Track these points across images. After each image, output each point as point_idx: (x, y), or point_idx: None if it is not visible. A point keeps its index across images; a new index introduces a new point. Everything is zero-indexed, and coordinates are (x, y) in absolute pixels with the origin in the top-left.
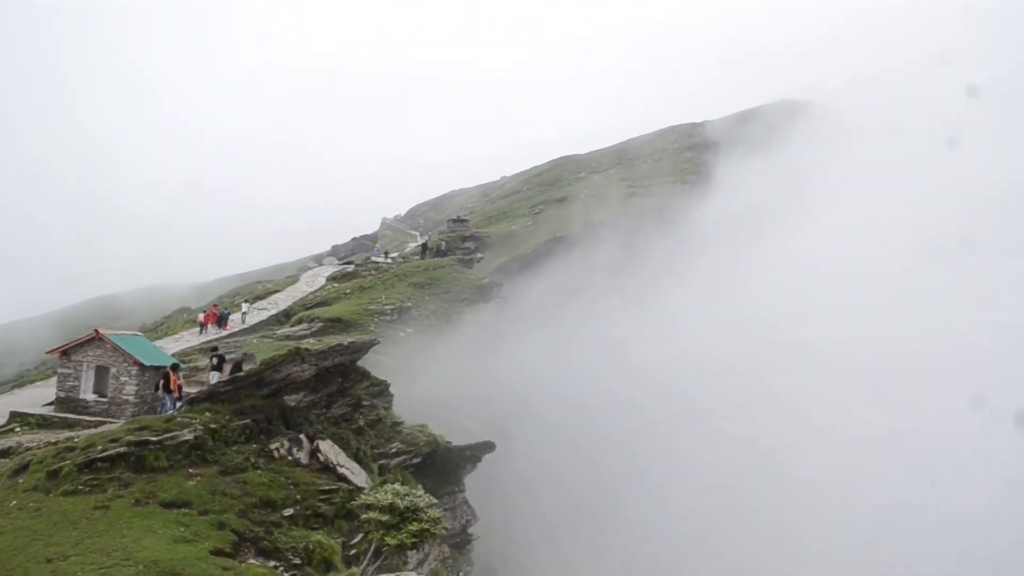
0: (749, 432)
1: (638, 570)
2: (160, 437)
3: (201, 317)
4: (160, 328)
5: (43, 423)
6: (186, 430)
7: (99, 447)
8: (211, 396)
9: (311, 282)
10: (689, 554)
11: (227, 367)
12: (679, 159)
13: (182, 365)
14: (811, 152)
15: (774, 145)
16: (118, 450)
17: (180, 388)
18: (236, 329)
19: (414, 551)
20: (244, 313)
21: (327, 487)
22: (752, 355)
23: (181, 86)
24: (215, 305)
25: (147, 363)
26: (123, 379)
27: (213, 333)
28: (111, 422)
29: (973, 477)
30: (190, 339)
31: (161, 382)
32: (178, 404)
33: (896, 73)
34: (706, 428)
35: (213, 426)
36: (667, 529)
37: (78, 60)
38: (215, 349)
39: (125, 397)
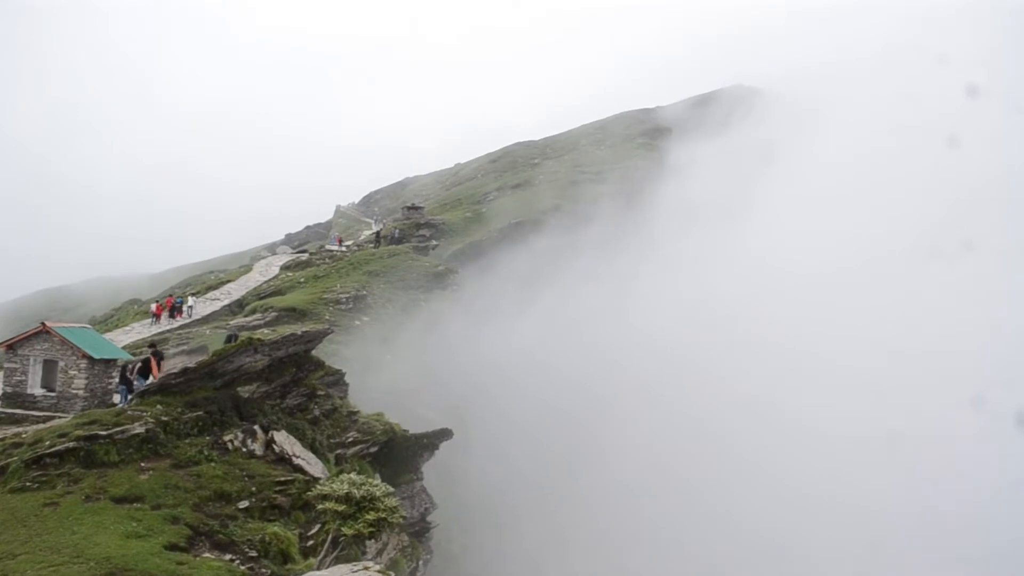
0: (716, 426)
1: (596, 557)
2: (110, 431)
3: (154, 307)
4: (111, 320)
5: None
6: (137, 423)
7: (47, 442)
8: (162, 388)
9: (264, 271)
10: (648, 542)
11: (165, 364)
12: (632, 144)
13: (133, 358)
14: (763, 138)
15: (726, 130)
16: (67, 445)
17: (132, 383)
18: (187, 321)
19: (372, 540)
20: (190, 307)
21: (283, 478)
22: (715, 347)
23: (141, 66)
24: (170, 296)
25: (96, 356)
26: (72, 373)
27: (166, 324)
28: (60, 417)
29: (973, 477)
30: (141, 331)
31: (139, 365)
32: (129, 397)
33: (850, 63)
34: (665, 416)
35: (165, 419)
36: (626, 516)
37: (37, 31)
38: (152, 345)
39: (74, 391)
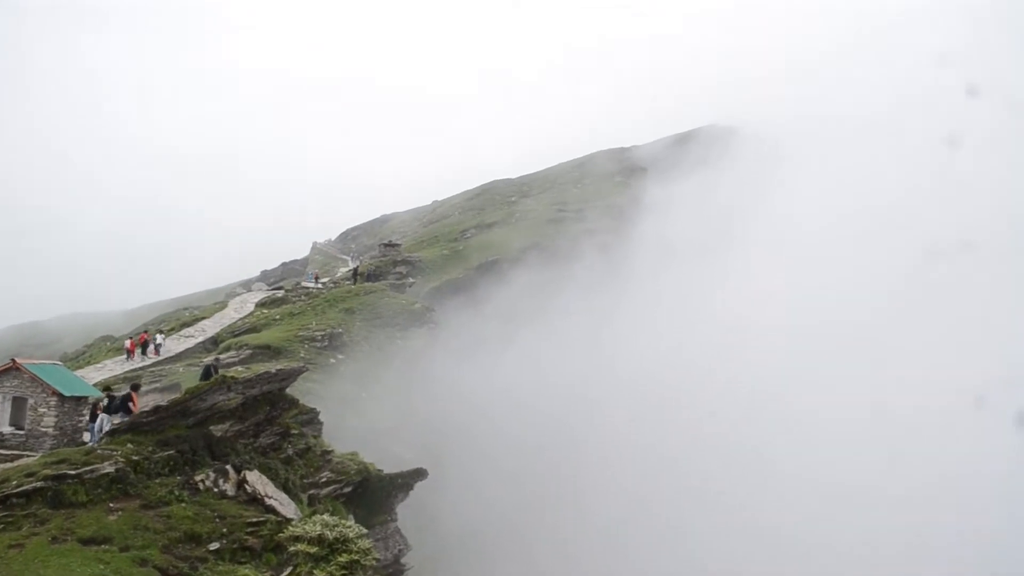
0: (695, 465)
1: None
2: (79, 470)
3: (128, 344)
4: (83, 357)
5: None
6: (107, 463)
7: (14, 482)
8: (133, 427)
9: (239, 308)
10: None
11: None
12: (609, 183)
13: (103, 396)
14: (740, 177)
15: (702, 169)
16: (34, 485)
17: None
18: (158, 359)
19: None
20: (158, 345)
21: (255, 519)
22: (694, 385)
23: (123, 101)
24: (145, 331)
25: (67, 394)
26: (41, 410)
27: (139, 361)
28: (28, 455)
29: (973, 478)
30: (113, 368)
31: (116, 401)
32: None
33: (832, 106)
34: (643, 456)
35: (135, 458)
36: (605, 555)
37: (21, 55)
38: (108, 389)
39: (44, 429)
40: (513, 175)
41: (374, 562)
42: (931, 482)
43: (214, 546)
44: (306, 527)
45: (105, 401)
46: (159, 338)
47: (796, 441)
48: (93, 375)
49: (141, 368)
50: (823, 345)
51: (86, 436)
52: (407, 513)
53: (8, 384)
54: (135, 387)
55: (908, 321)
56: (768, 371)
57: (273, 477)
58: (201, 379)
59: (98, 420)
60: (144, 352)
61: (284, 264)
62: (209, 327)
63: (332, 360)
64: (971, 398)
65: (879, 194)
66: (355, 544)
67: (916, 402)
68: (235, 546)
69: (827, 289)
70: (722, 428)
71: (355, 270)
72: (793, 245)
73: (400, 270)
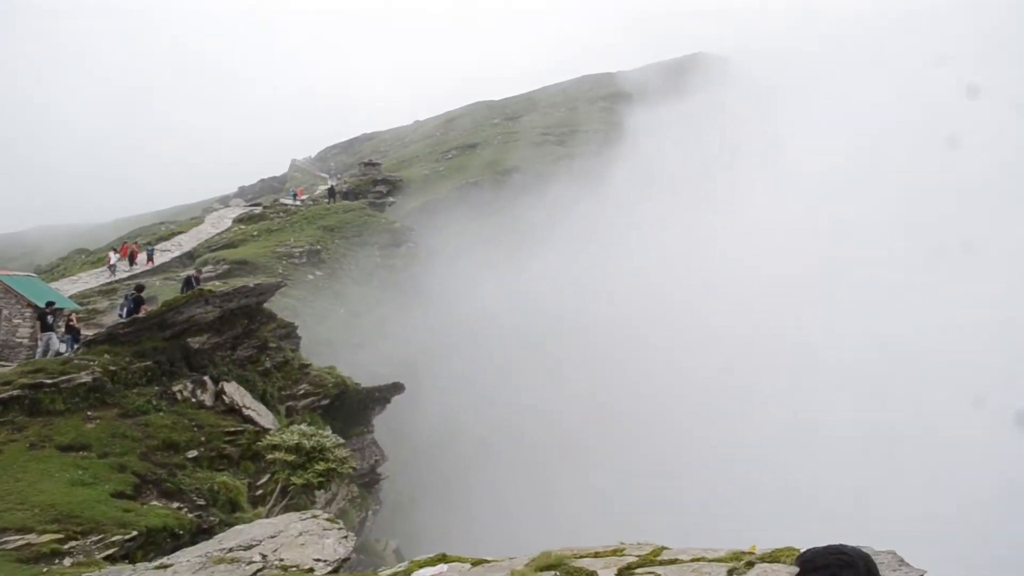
0: (666, 397)
1: (540, 512)
2: (56, 379)
3: (115, 257)
4: (57, 269)
5: None
6: (84, 372)
7: None
8: (110, 338)
9: (217, 224)
10: (588, 495)
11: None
12: (593, 108)
13: (80, 308)
14: (728, 109)
15: (688, 98)
16: (11, 393)
17: (78, 331)
18: (135, 271)
19: (321, 490)
20: (112, 265)
21: (232, 429)
22: (671, 322)
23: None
24: (132, 242)
25: (42, 305)
26: (16, 321)
27: (118, 274)
28: (3, 365)
29: (973, 477)
30: (88, 281)
31: (131, 307)
32: (75, 346)
33: (829, 44)
34: (619, 383)
35: (113, 368)
36: (572, 476)
37: None
38: (49, 304)
39: (19, 340)
40: (496, 97)
41: (351, 470)
42: (933, 479)
43: (192, 454)
44: (283, 436)
45: (50, 319)
46: (112, 258)
47: (781, 381)
48: (68, 287)
49: (118, 281)
50: (814, 283)
51: (62, 347)
52: (383, 426)
53: None
54: (139, 288)
55: (902, 258)
56: (753, 303)
57: (251, 389)
58: (182, 290)
59: (44, 337)
60: (132, 263)
61: (262, 180)
62: (186, 242)
63: (310, 276)
64: (971, 398)
65: (873, 132)
66: (332, 453)
67: (915, 402)
68: (213, 454)
69: (817, 225)
70: (703, 358)
71: (331, 188)
72: (781, 173)
73: (380, 189)
